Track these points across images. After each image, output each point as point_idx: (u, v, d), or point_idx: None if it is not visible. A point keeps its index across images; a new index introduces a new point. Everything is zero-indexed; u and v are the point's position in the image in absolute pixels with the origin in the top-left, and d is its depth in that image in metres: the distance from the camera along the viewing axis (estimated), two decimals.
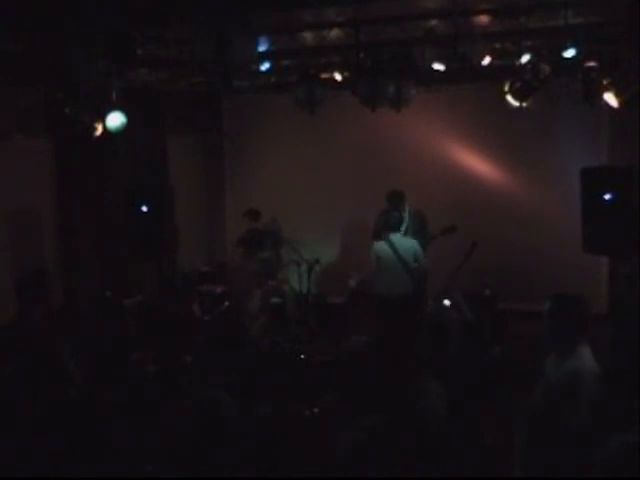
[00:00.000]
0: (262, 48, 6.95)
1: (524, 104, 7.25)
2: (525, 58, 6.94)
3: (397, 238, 7.95)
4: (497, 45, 6.94)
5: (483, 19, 6.47)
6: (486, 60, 6.82)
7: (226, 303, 8.60)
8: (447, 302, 6.73)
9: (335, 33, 6.77)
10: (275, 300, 8.78)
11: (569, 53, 6.59)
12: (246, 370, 6.71)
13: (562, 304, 4.24)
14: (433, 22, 6.47)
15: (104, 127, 6.76)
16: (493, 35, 6.69)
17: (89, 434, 4.74)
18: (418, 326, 5.79)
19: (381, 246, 7.96)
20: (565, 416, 4.03)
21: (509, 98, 7.32)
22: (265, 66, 7.31)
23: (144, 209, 7.80)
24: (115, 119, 6.78)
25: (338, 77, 7.73)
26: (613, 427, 4.04)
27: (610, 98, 6.94)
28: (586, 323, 4.21)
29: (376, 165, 9.84)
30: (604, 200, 6.72)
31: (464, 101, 9.38)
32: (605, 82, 6.93)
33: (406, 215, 8.84)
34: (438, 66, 6.97)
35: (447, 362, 4.44)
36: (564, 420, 4.03)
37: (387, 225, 8.08)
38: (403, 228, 8.79)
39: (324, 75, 7.66)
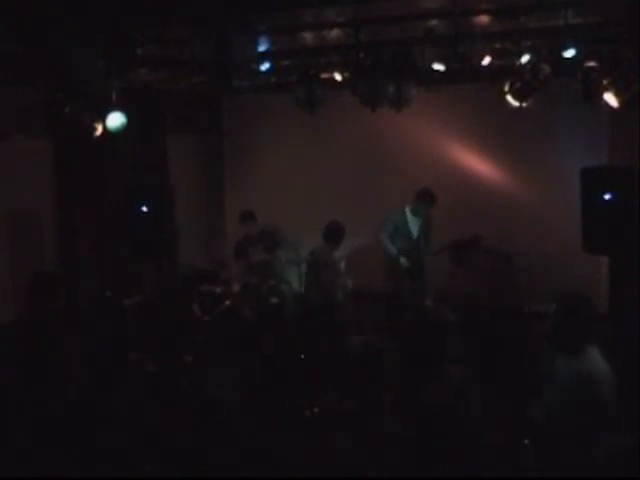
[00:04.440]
0: (262, 48, 6.95)
1: (524, 104, 7.24)
2: (525, 58, 6.93)
3: None
4: (497, 45, 6.93)
5: (483, 19, 6.46)
6: (486, 60, 6.81)
7: (226, 303, 8.59)
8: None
9: (335, 33, 6.77)
10: (274, 300, 8.77)
11: (569, 53, 6.59)
12: (246, 370, 6.71)
13: (569, 304, 4.22)
14: (433, 22, 6.47)
15: (104, 127, 6.76)
16: (493, 35, 6.68)
17: (89, 434, 4.75)
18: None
19: None
20: (582, 417, 4.01)
21: (509, 98, 7.31)
22: (265, 66, 7.31)
23: (144, 209, 7.80)
24: (115, 119, 6.77)
25: (338, 77, 7.72)
26: (613, 427, 4.05)
27: (610, 98, 6.93)
28: (591, 323, 4.20)
29: (376, 165, 9.84)
30: (604, 200, 6.72)
31: (464, 101, 9.37)
32: (605, 82, 6.92)
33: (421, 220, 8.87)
34: (438, 66, 6.96)
35: (446, 361, 4.44)
36: (581, 421, 4.02)
37: None
38: (416, 232, 8.85)
39: (324, 75, 7.66)
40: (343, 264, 8.71)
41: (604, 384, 4.07)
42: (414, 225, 8.92)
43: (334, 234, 8.39)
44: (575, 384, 4.06)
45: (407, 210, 8.89)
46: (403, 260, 8.85)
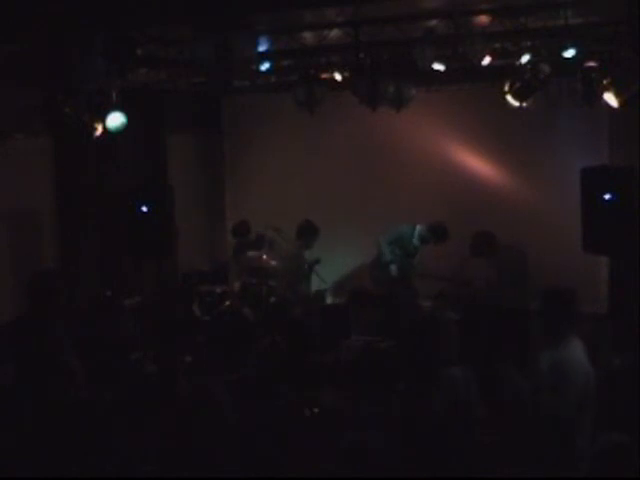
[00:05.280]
0: (262, 48, 6.96)
1: (524, 104, 7.25)
2: (525, 58, 6.94)
3: None
4: (497, 45, 6.94)
5: (483, 19, 6.48)
6: (486, 60, 6.82)
7: (226, 303, 8.59)
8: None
9: (335, 33, 6.78)
10: (273, 299, 8.77)
11: (569, 53, 6.60)
12: (246, 370, 6.70)
13: (550, 299, 4.29)
14: (433, 22, 6.47)
15: (104, 127, 6.76)
16: (493, 35, 6.69)
17: (89, 434, 4.74)
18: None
19: None
20: (548, 407, 4.07)
21: (509, 98, 7.32)
22: (265, 66, 7.32)
23: (144, 209, 7.81)
24: (115, 119, 6.78)
25: (338, 77, 7.73)
26: (613, 427, 4.05)
27: (610, 98, 6.94)
28: (574, 315, 4.23)
29: (376, 165, 9.83)
30: (604, 200, 6.72)
31: (464, 101, 9.36)
32: (605, 82, 6.93)
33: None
34: (438, 66, 6.97)
35: (445, 362, 4.44)
36: (548, 411, 4.07)
37: None
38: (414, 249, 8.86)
39: (324, 75, 7.67)
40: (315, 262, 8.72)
41: (571, 375, 4.10)
42: (417, 243, 8.90)
43: (304, 232, 8.50)
44: (550, 372, 4.11)
45: (417, 230, 8.83)
46: (393, 268, 8.83)
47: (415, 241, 8.85)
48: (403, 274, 8.85)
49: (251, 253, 9.08)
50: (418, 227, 8.81)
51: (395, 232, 8.91)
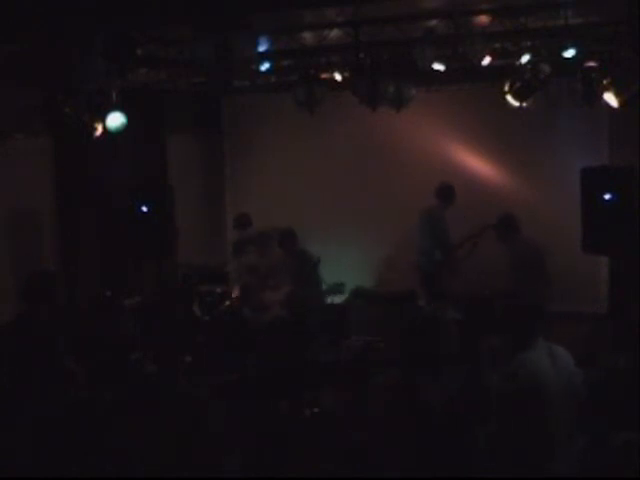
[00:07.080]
0: (262, 48, 6.96)
1: (524, 104, 7.25)
2: (525, 58, 6.94)
3: None
4: (497, 45, 6.95)
5: (483, 19, 6.48)
6: (486, 60, 6.82)
7: (226, 303, 8.59)
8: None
9: (335, 33, 6.79)
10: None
11: (569, 53, 6.60)
12: (246, 370, 6.71)
13: (508, 311, 4.32)
14: (433, 22, 6.48)
15: (104, 127, 6.76)
16: (493, 35, 6.70)
17: (89, 434, 4.75)
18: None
19: None
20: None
21: (509, 98, 7.32)
22: (265, 66, 7.32)
23: (144, 209, 7.81)
24: (115, 119, 6.78)
25: (338, 77, 7.74)
26: (615, 426, 4.05)
27: (610, 98, 6.94)
28: (534, 320, 4.23)
29: (376, 165, 9.83)
30: (604, 200, 6.73)
31: (464, 101, 9.37)
32: (605, 82, 6.94)
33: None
34: (438, 66, 6.98)
35: (443, 362, 4.45)
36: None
37: None
38: None
39: (324, 75, 7.67)
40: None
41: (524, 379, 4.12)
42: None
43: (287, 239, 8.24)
44: (513, 377, 4.13)
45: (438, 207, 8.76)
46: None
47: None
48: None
49: (251, 249, 9.06)
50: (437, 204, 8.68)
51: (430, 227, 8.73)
